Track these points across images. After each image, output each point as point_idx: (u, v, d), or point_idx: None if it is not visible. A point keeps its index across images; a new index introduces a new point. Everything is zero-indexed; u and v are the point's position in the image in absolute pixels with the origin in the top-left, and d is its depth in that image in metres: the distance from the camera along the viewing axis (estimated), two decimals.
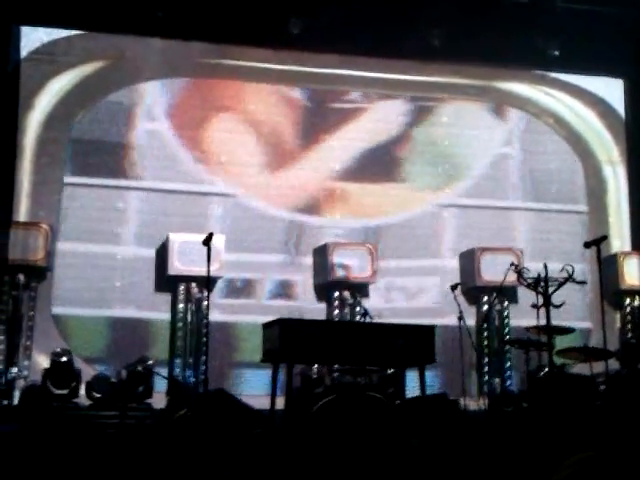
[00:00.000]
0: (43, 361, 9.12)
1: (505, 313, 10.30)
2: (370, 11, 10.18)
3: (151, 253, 9.92)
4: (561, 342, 7.80)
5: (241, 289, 10.25)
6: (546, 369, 7.51)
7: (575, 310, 9.92)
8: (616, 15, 10.48)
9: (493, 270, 9.50)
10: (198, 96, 10.62)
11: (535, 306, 6.86)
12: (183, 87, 10.64)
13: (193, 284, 9.60)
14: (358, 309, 9.54)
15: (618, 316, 10.77)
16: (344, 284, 10.03)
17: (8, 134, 9.75)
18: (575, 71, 11.52)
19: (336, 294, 10.03)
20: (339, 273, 9.94)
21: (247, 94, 10.74)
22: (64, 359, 8.76)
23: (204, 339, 9.28)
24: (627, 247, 11.17)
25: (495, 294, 9.74)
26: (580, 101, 11.59)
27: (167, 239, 9.55)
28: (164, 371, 9.23)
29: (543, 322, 6.78)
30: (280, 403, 6.46)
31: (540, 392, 7.20)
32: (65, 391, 8.60)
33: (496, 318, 10.32)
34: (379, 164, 10.88)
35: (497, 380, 10.01)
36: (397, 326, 6.80)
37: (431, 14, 10.30)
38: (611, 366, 8.01)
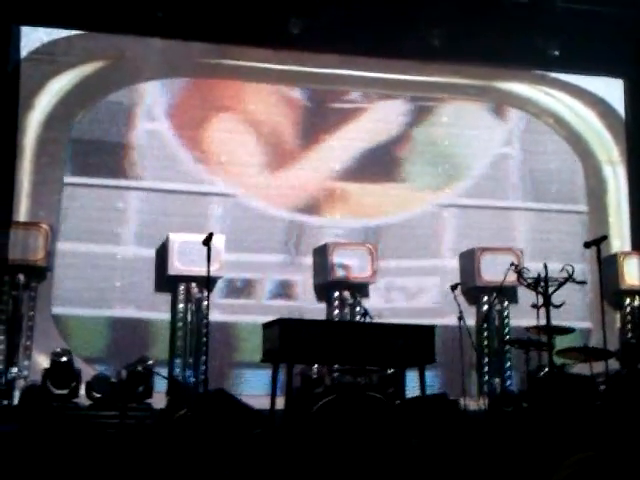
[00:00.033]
0: (43, 361, 9.12)
1: (505, 313, 10.30)
2: (370, 11, 10.18)
3: (151, 253, 9.92)
4: (561, 342, 7.80)
5: (241, 289, 10.25)
6: (546, 369, 7.51)
7: (575, 310, 9.92)
8: (616, 15, 10.48)
9: (493, 270, 9.50)
10: (198, 96, 10.62)
11: (535, 306, 6.86)
12: (183, 87, 10.64)
13: (193, 284, 9.60)
14: (358, 309, 9.53)
15: (618, 316, 10.77)
16: (344, 284, 10.02)
17: (8, 134, 9.76)
18: (575, 71, 11.51)
19: (336, 294, 10.03)
20: (339, 273, 9.93)
21: (247, 94, 10.73)
22: (64, 359, 8.76)
23: (204, 339, 9.28)
24: (627, 247, 11.17)
25: (495, 294, 9.74)
26: (580, 101, 11.59)
27: (167, 239, 9.55)
28: (164, 371, 9.22)
29: (543, 322, 6.78)
30: (280, 403, 6.45)
31: (540, 392, 7.19)
32: (65, 391, 8.60)
33: (496, 318, 10.32)
34: (379, 164, 10.88)
35: (497, 380, 10.01)
36: (397, 326, 6.80)
37: (431, 14, 10.31)
38: (611, 366, 8.00)
